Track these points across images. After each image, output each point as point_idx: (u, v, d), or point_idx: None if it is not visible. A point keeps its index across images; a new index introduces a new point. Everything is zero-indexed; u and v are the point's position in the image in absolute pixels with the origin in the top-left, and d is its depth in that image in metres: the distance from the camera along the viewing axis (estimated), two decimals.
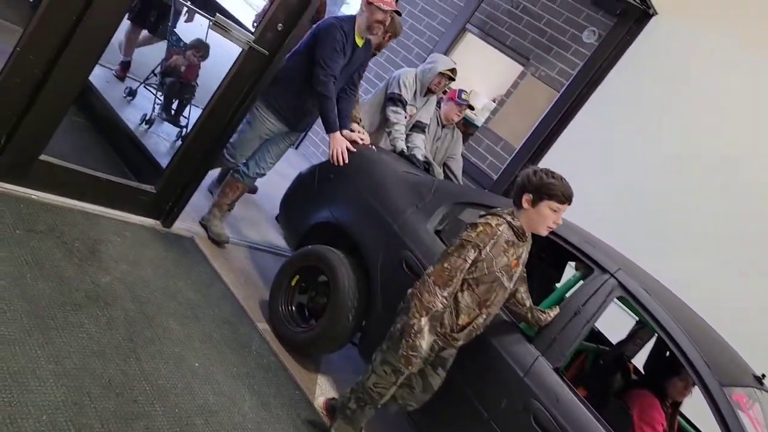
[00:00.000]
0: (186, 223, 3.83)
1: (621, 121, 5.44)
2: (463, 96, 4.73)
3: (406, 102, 4.34)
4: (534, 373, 2.70)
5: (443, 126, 4.84)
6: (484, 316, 2.64)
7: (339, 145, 3.56)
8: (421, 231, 3.24)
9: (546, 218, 2.54)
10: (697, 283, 4.32)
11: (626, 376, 3.66)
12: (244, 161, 3.92)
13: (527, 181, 2.56)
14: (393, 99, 4.33)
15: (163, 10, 5.13)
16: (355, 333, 3.32)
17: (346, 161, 3.55)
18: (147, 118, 4.81)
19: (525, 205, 2.55)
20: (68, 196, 3.19)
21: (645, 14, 5.29)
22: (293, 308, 3.47)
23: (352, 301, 3.23)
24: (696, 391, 2.90)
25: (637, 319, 3.72)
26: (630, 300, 2.82)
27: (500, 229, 2.51)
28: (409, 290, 2.59)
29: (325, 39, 3.49)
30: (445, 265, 2.48)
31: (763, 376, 3.12)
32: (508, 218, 2.55)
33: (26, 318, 2.34)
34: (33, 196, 3.04)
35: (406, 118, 4.37)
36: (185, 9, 5.12)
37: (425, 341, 2.51)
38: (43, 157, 3.00)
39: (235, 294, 3.52)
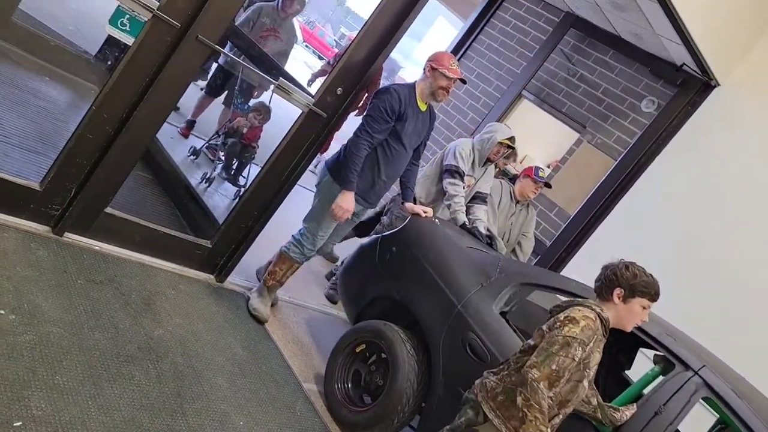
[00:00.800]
0: (238, 279, 3.87)
1: (680, 192, 5.31)
2: (540, 173, 4.62)
3: (464, 173, 4.28)
4: None
5: (517, 202, 4.73)
6: (561, 416, 2.44)
7: (347, 205, 3.42)
8: (487, 312, 3.14)
9: (636, 315, 2.45)
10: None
11: None
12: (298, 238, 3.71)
13: (620, 275, 2.46)
14: (450, 171, 4.27)
15: (237, 83, 5.29)
16: (413, 416, 3.22)
17: (343, 220, 3.48)
18: (207, 177, 4.93)
19: (616, 300, 2.44)
20: (128, 248, 3.30)
21: (707, 85, 5.22)
22: (349, 385, 3.39)
23: (412, 382, 3.13)
24: None
25: (719, 416, 3.49)
26: (717, 401, 2.64)
27: (598, 324, 2.38)
28: (473, 391, 2.42)
29: (376, 101, 3.44)
30: (554, 367, 2.28)
31: None
32: (598, 310, 2.42)
33: (81, 368, 2.38)
34: (96, 247, 3.15)
35: (464, 189, 4.34)
36: (257, 84, 5.35)
37: None
38: (108, 209, 3.12)
39: (282, 352, 3.51)
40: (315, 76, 7.65)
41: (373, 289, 3.62)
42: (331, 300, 4.72)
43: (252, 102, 5.38)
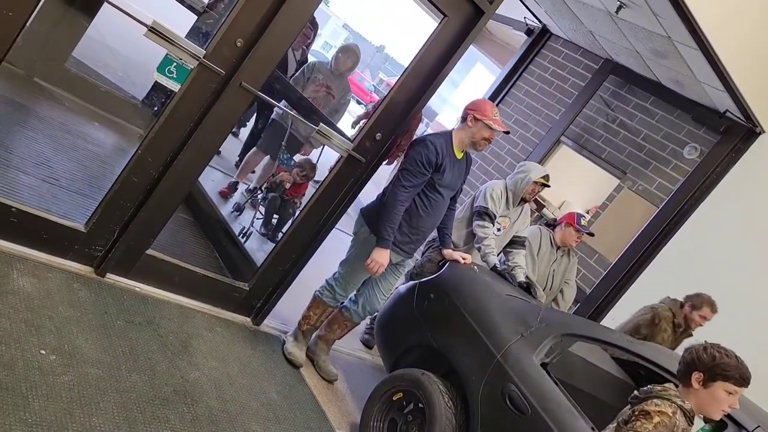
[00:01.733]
0: (274, 323, 3.87)
1: (724, 242, 5.17)
2: (583, 222, 4.54)
3: (495, 216, 4.22)
4: None
5: (558, 248, 4.66)
6: None
7: (382, 260, 3.37)
8: (527, 363, 3.06)
9: (721, 402, 2.30)
10: None
11: None
12: (353, 298, 3.76)
13: (697, 358, 2.34)
14: (480, 213, 4.22)
15: (287, 139, 5.22)
16: None
17: (377, 274, 3.43)
18: (245, 231, 4.76)
19: (695, 384, 2.32)
20: (168, 290, 3.33)
21: (751, 132, 5.13)
22: None
23: None
24: None
25: None
26: None
27: (677, 417, 2.27)
28: None
29: (412, 153, 3.38)
30: None
31: None
32: (679, 402, 2.31)
33: (117, 410, 2.38)
34: (136, 288, 3.19)
35: (499, 231, 4.29)
36: (305, 139, 5.30)
37: None
38: (149, 251, 3.17)
39: (317, 398, 3.47)
40: (360, 119, 7.67)
41: (411, 337, 3.57)
42: (367, 345, 4.67)
43: (298, 158, 5.35)
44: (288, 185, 5.15)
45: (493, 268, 4.03)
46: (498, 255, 4.28)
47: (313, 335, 3.83)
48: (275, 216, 5.17)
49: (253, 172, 5.64)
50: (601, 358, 3.81)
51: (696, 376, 2.31)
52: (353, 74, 5.92)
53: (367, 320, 4.66)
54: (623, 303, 5.56)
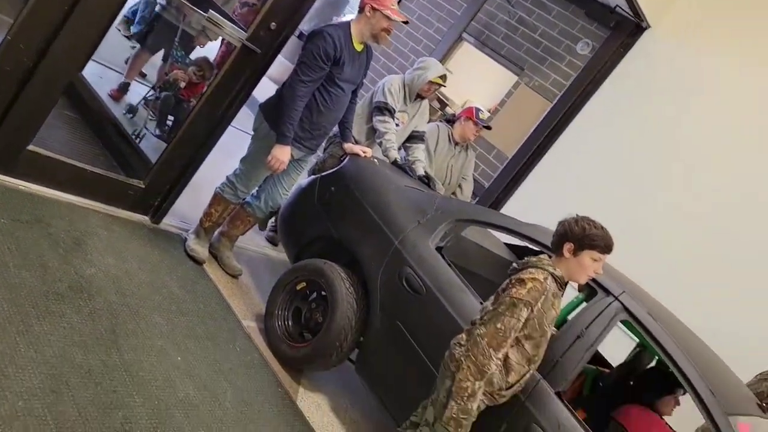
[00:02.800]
0: (174, 221, 3.81)
1: (613, 133, 5.47)
2: (481, 116, 4.59)
3: (394, 110, 4.23)
4: (535, 397, 2.65)
5: (456, 144, 4.70)
6: (531, 372, 2.57)
7: (283, 157, 3.37)
8: (423, 248, 3.20)
9: (587, 268, 2.52)
10: (691, 304, 4.30)
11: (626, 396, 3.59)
12: (255, 194, 3.75)
13: (569, 230, 2.52)
14: (380, 108, 4.22)
15: (175, 37, 4.84)
16: (352, 351, 3.29)
17: (279, 171, 3.45)
18: (138, 132, 4.45)
19: (566, 254, 2.51)
20: (56, 188, 3.19)
21: (638, 27, 5.34)
22: (290, 322, 3.42)
23: (350, 319, 3.18)
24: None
25: (638, 341, 3.69)
26: (634, 324, 2.79)
27: (548, 283, 2.45)
28: (452, 351, 2.47)
29: (309, 46, 3.30)
30: (498, 326, 2.38)
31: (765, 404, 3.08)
32: (551, 269, 2.49)
33: (7, 305, 2.33)
34: (21, 187, 3.03)
35: (397, 125, 4.33)
36: (198, 32, 4.90)
37: (476, 404, 2.43)
38: (31, 147, 3.00)
39: (221, 291, 3.51)
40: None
41: (312, 229, 3.63)
42: (272, 242, 4.72)
43: (194, 56, 5.03)
44: (183, 84, 4.87)
45: (394, 162, 4.10)
46: (399, 150, 4.35)
47: (216, 232, 3.82)
48: (170, 117, 4.89)
49: (144, 74, 5.33)
50: (494, 243, 4.05)
51: (567, 247, 2.51)
52: None
53: (273, 219, 4.68)
54: (519, 196, 5.85)
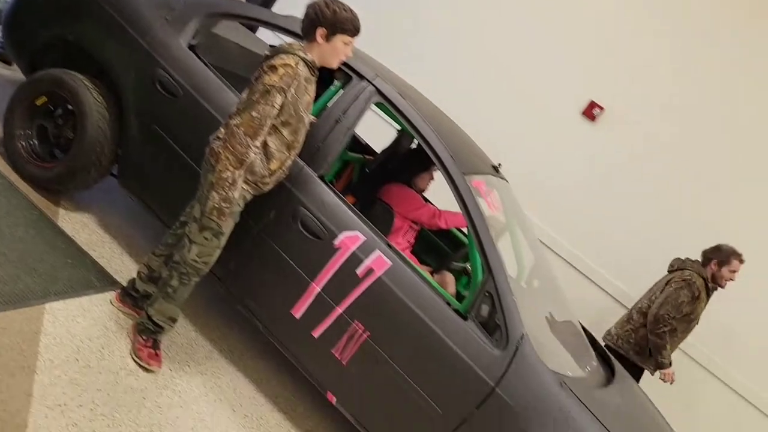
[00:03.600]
0: None
1: None
2: None
3: None
4: (299, 182, 2.76)
5: None
6: (292, 158, 2.61)
7: None
8: (174, 47, 2.99)
9: (339, 52, 2.54)
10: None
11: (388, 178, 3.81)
12: None
13: (321, 14, 2.47)
14: None
15: None
16: (112, 165, 3.11)
17: None
18: None
19: (320, 39, 2.49)
20: None
21: None
22: (36, 141, 3.11)
23: (104, 130, 2.98)
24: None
25: (399, 128, 3.91)
26: (387, 105, 2.94)
27: (299, 68, 2.42)
28: (211, 145, 2.44)
29: None
30: (254, 114, 2.37)
31: (499, 165, 3.53)
32: (302, 54, 2.46)
33: None
34: None
35: None
36: None
37: (237, 192, 2.44)
38: None
39: None
40: None
41: (42, 32, 3.19)
42: (4, 60, 4.10)
43: None
44: None
45: None
46: None
47: None
48: None
49: None
50: (254, 42, 3.92)
51: (321, 32, 2.50)
52: None
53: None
54: None
